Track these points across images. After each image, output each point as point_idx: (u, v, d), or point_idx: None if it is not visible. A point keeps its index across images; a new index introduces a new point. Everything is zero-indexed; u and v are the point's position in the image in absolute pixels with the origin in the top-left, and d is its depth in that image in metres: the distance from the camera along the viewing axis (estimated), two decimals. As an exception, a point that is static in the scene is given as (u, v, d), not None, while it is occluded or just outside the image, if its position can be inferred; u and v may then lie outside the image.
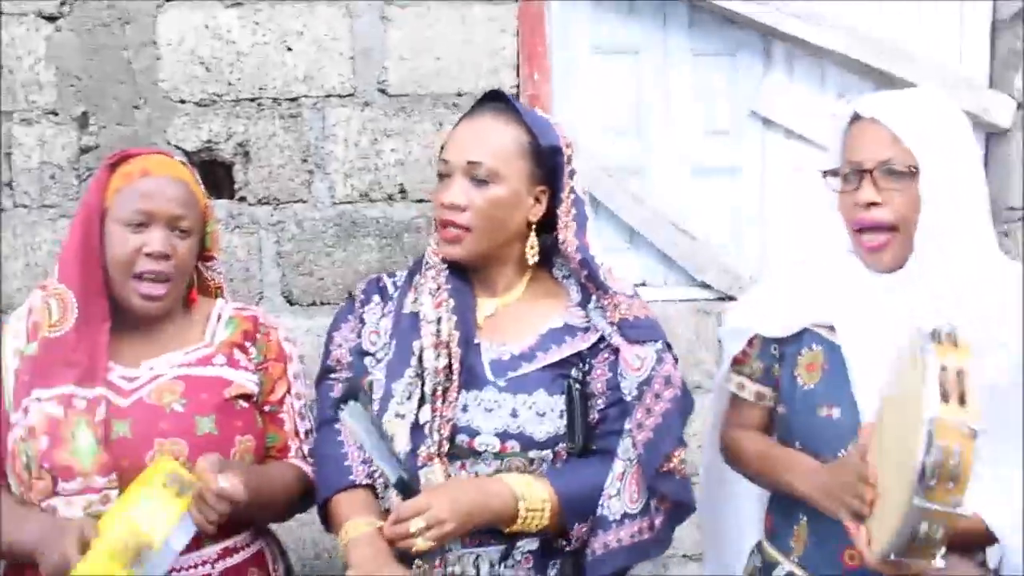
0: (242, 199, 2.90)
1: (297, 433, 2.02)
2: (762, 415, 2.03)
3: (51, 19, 2.87)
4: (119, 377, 1.87)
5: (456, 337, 1.87)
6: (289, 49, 2.87)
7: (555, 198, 1.95)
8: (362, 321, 1.98)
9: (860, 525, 1.63)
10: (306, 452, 2.02)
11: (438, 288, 1.93)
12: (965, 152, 1.82)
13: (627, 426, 1.89)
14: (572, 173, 1.95)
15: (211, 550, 1.86)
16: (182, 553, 1.77)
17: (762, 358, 2.00)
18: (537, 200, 1.94)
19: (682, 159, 3.06)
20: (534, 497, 1.81)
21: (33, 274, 2.94)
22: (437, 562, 1.80)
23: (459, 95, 2.88)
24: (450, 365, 1.86)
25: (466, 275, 1.96)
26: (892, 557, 1.53)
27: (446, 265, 1.95)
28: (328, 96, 2.88)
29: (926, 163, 1.76)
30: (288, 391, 2.02)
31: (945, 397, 1.47)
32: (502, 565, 1.86)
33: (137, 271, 1.85)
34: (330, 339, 2.00)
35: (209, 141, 2.89)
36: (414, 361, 1.88)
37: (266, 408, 1.98)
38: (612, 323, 1.92)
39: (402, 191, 2.89)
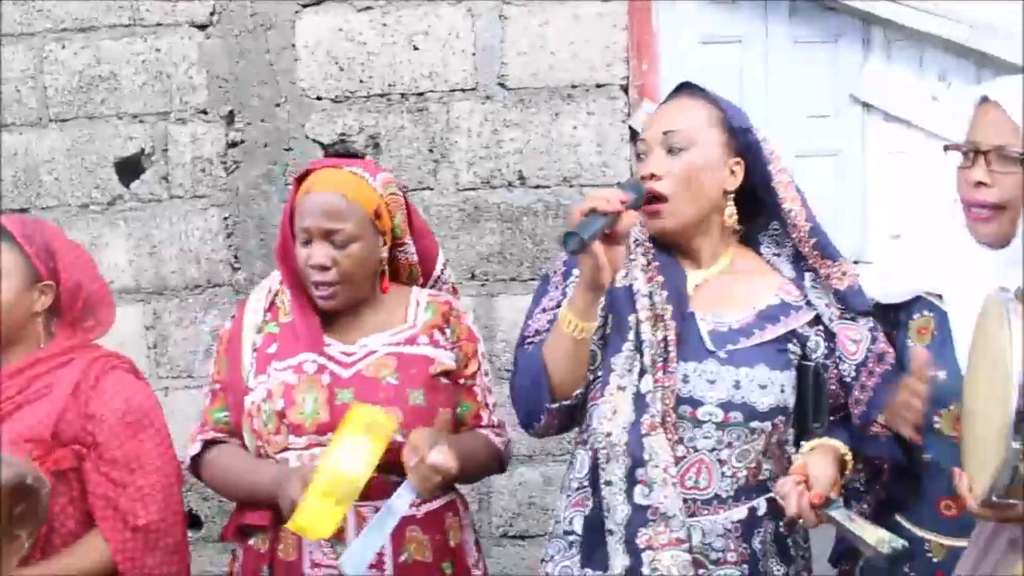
0: (373, 187, 3.15)
1: (487, 405, 2.21)
2: None
3: (202, 28, 3.17)
4: (339, 352, 2.10)
5: (670, 310, 1.92)
6: (416, 48, 3.10)
7: (755, 175, 1.98)
8: (564, 294, 2.03)
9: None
10: (495, 423, 2.22)
11: (648, 263, 1.98)
12: None
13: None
14: (772, 153, 1.98)
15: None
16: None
17: (882, 324, 2.07)
18: (732, 172, 1.97)
19: (785, 142, 3.19)
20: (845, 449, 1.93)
21: (186, 258, 3.24)
22: None
23: (573, 87, 3.07)
24: (667, 337, 1.91)
25: (671, 250, 2.01)
26: (994, 499, 1.60)
27: (652, 241, 2.00)
28: (452, 91, 3.10)
29: None
30: (479, 368, 2.20)
31: None
32: (713, 533, 1.91)
33: (311, 280, 2.08)
34: (530, 314, 2.08)
35: (343, 134, 3.14)
36: (631, 335, 1.92)
37: (460, 381, 2.17)
38: (839, 291, 1.97)
39: (521, 178, 3.10)
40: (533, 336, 2.05)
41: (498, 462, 2.25)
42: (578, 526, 1.97)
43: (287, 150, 3.15)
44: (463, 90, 3.10)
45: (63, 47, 3.25)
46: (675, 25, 3.18)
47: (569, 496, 2.01)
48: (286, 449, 2.05)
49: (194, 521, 3.16)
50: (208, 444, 2.16)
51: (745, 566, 1.92)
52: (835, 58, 3.18)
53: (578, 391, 1.96)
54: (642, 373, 1.90)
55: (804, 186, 3.16)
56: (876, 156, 3.20)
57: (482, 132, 3.10)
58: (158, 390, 3.07)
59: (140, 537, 2.08)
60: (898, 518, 2.03)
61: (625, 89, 3.08)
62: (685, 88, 2.04)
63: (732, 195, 1.98)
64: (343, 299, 2.11)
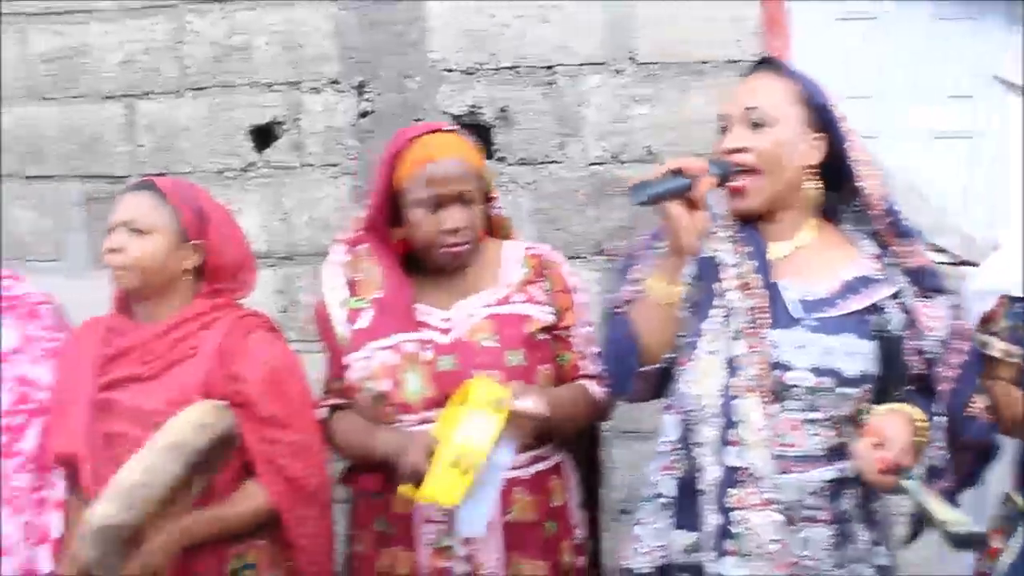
0: (501, 159, 3.18)
1: (585, 354, 2.24)
2: (1010, 371, 2.09)
3: (335, -1, 3.23)
4: (438, 319, 2.17)
5: (757, 279, 1.98)
6: (546, 21, 3.10)
7: (835, 151, 2.00)
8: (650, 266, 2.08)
9: None
10: (594, 372, 2.23)
11: (732, 235, 2.03)
12: None
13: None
14: (850, 131, 2.01)
15: (524, 456, 2.13)
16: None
17: (1009, 317, 2.07)
18: (813, 147, 2.00)
19: (920, 123, 3.14)
20: (921, 416, 1.92)
21: (316, 226, 3.32)
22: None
23: (703, 62, 3.04)
24: (755, 305, 1.96)
25: (753, 223, 2.05)
26: None
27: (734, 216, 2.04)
28: (582, 64, 3.10)
29: None
30: (577, 318, 2.25)
31: None
32: (804, 492, 1.93)
33: (440, 243, 2.13)
34: (616, 287, 2.13)
35: (472, 106, 3.17)
36: (720, 302, 1.98)
37: (557, 333, 2.22)
38: (911, 270, 1.99)
39: (650, 153, 3.08)
40: (622, 306, 2.10)
41: (597, 411, 2.26)
42: (669, 489, 2.03)
43: (417, 121, 3.18)
44: (593, 64, 3.09)
45: (201, 17, 3.34)
46: (809, 1, 3.13)
47: (658, 460, 2.07)
48: (397, 422, 2.13)
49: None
50: (332, 410, 2.26)
51: (836, 526, 1.94)
52: (977, 37, 3.09)
53: (666, 355, 2.02)
54: (734, 339, 1.95)
55: (937, 167, 3.13)
56: (1016, 139, 3.11)
57: (611, 106, 3.09)
58: (287, 353, 3.17)
59: (297, 488, 2.17)
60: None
61: (756, 65, 3.04)
62: (766, 64, 2.09)
63: (812, 170, 2.01)
64: (467, 257, 2.18)
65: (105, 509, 1.90)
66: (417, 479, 1.96)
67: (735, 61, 3.02)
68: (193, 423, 1.97)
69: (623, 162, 3.10)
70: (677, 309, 1.98)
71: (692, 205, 1.89)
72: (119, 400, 2.13)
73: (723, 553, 1.91)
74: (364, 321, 2.18)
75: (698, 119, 3.04)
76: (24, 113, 3.55)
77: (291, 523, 2.17)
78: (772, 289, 1.99)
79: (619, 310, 2.09)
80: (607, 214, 3.12)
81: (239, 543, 2.18)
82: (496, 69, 3.15)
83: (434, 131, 2.20)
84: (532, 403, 1.98)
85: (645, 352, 2.01)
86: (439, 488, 1.93)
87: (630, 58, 3.08)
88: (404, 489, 2.00)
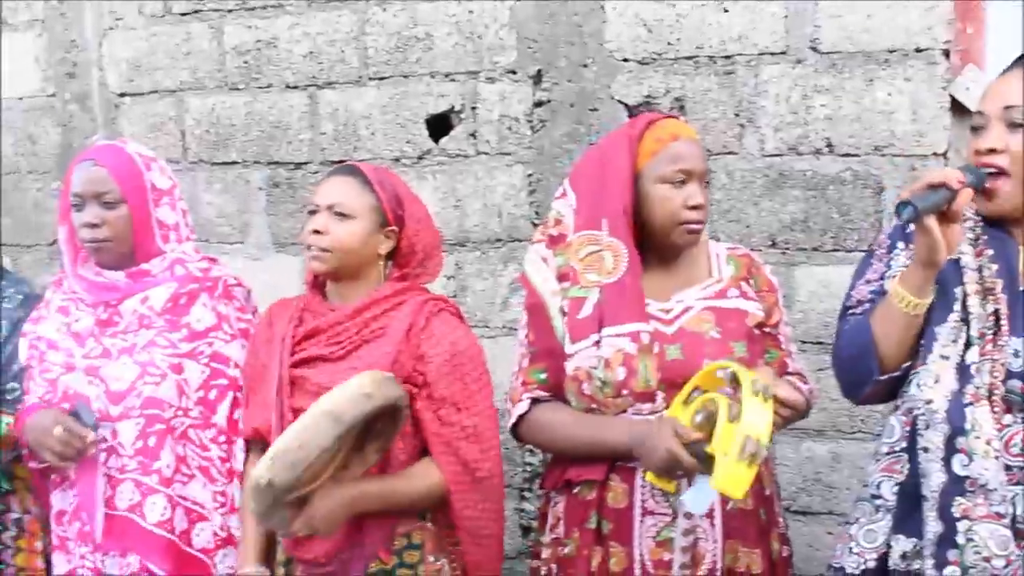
0: (675, 150, 3.14)
1: (790, 352, 2.27)
2: None
3: (514, -11, 3.27)
4: (657, 310, 2.18)
5: (1000, 284, 1.90)
6: (725, 11, 3.05)
7: None
8: (888, 266, 2.06)
9: None
10: (798, 370, 2.26)
11: (976, 238, 1.96)
12: None
13: None
14: None
15: None
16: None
17: None
18: None
19: None
20: None
21: (488, 214, 3.36)
22: None
23: (890, 52, 2.93)
24: (997, 310, 1.89)
25: (1003, 225, 1.97)
26: None
27: (981, 216, 1.98)
28: (761, 54, 3.04)
29: None
30: (781, 317, 2.27)
31: None
32: None
33: (682, 219, 2.14)
34: (852, 284, 2.10)
35: (648, 96, 3.15)
36: (957, 306, 1.92)
37: (766, 330, 2.23)
38: None
39: (829, 145, 2.99)
40: (855, 307, 2.06)
41: (806, 408, 2.23)
42: (886, 491, 1.97)
43: (592, 110, 3.20)
44: (772, 53, 3.03)
45: (384, 9, 3.43)
46: (1006, -15, 2.98)
47: (879, 461, 2.02)
48: (623, 412, 2.12)
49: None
50: (532, 403, 2.23)
51: None
52: None
53: (905, 364, 1.96)
54: (968, 345, 1.88)
55: None
56: None
57: (791, 97, 3.02)
58: (455, 337, 3.22)
59: (469, 471, 2.20)
60: None
61: (947, 54, 2.91)
62: None
63: None
64: (695, 242, 2.21)
65: (260, 470, 1.99)
66: (671, 467, 1.94)
67: (923, 50, 2.90)
68: (353, 392, 2.01)
69: (801, 154, 3.02)
70: (920, 320, 1.93)
71: (947, 218, 1.84)
72: (307, 377, 2.22)
73: (943, 563, 1.84)
74: (588, 309, 2.16)
75: (882, 110, 2.94)
76: (214, 102, 3.73)
77: (457, 505, 2.20)
78: (1018, 296, 1.90)
79: (855, 311, 2.06)
80: (783, 207, 3.05)
81: (407, 523, 2.23)
82: (674, 59, 3.12)
83: (669, 117, 2.30)
84: (795, 393, 2.00)
85: (884, 360, 1.97)
86: (730, 480, 1.85)
87: (811, 47, 2.99)
88: (652, 478, 2.00)
